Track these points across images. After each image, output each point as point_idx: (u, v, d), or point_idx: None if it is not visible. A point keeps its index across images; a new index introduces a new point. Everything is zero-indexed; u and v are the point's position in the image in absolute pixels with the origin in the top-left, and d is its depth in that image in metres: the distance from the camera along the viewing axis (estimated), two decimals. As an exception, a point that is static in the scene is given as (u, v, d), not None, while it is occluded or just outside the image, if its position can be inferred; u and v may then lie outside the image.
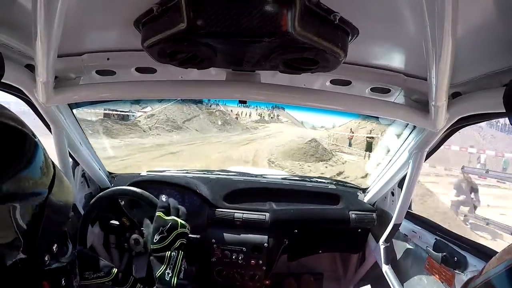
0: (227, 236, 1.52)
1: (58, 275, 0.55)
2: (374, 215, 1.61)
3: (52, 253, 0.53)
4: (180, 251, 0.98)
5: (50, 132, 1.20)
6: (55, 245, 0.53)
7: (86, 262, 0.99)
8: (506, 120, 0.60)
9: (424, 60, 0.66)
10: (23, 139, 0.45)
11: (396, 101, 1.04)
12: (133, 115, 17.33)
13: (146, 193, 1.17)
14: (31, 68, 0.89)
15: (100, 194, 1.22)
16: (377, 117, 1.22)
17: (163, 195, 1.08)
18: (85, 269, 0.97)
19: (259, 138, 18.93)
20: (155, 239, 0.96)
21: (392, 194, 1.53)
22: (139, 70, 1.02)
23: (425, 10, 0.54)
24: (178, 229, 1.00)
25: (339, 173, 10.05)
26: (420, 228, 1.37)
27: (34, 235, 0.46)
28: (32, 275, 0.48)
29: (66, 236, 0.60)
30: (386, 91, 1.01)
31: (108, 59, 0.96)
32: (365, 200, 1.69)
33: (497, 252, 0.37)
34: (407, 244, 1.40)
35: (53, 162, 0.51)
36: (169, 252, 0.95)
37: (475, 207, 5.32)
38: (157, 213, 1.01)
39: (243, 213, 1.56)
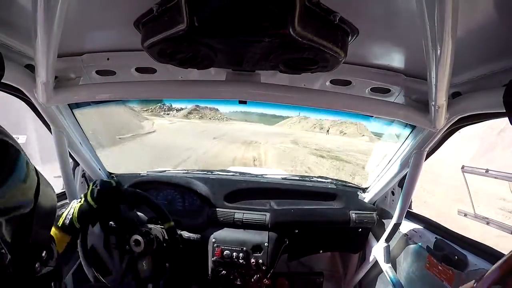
0: (228, 235, 1.52)
1: (48, 280, 0.55)
2: (375, 214, 1.61)
3: (42, 260, 0.53)
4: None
5: (50, 132, 1.20)
6: (44, 251, 0.53)
7: None
8: None
9: (424, 60, 0.66)
10: (5, 149, 0.42)
11: (396, 101, 1.04)
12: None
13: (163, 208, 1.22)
14: (31, 68, 0.89)
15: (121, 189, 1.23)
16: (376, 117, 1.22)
17: None
18: None
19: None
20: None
21: (393, 193, 1.53)
22: (139, 70, 1.02)
23: (425, 10, 0.54)
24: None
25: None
26: (420, 227, 1.37)
27: (24, 246, 0.45)
28: (25, 285, 0.48)
29: (50, 239, 0.59)
30: (386, 91, 1.01)
31: (108, 59, 0.96)
32: (366, 199, 1.69)
33: (497, 251, 0.37)
34: (408, 243, 1.40)
35: (35, 168, 0.49)
36: None
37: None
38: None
39: (244, 213, 1.56)
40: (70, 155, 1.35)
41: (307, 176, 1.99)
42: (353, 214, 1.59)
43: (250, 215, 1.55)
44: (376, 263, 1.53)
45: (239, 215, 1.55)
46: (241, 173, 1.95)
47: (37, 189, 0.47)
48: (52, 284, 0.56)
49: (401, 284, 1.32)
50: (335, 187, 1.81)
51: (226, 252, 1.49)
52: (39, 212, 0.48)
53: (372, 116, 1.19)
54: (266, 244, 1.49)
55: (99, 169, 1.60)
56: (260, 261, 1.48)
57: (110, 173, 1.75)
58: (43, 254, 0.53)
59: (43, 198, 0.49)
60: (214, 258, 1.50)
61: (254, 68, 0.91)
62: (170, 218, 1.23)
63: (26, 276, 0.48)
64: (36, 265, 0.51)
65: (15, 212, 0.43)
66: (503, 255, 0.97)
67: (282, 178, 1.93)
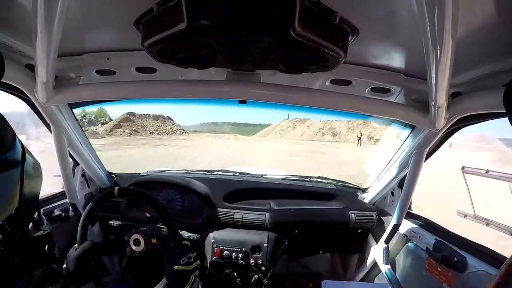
0: (227, 236, 1.52)
1: (42, 242, 0.60)
2: (374, 215, 1.61)
3: (34, 222, 0.58)
4: (200, 280, 1.15)
5: (50, 132, 1.20)
6: (36, 213, 0.59)
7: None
8: None
9: (424, 60, 0.65)
10: (5, 121, 0.52)
11: (396, 101, 1.04)
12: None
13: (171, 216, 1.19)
14: (31, 68, 0.89)
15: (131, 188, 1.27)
16: (377, 117, 1.22)
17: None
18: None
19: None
20: (183, 261, 1.10)
21: (392, 194, 1.53)
22: (139, 70, 1.02)
23: (425, 10, 0.54)
24: (198, 261, 1.17)
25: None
26: (420, 228, 1.36)
27: (18, 201, 0.51)
28: (19, 243, 0.52)
29: (39, 204, 0.66)
30: (386, 91, 1.01)
31: (108, 59, 0.96)
32: (365, 200, 1.69)
33: (497, 253, 0.37)
34: (407, 245, 1.40)
35: (19, 138, 0.58)
36: (193, 276, 1.12)
37: None
38: (185, 242, 1.20)
39: (243, 213, 1.56)
40: (70, 155, 1.35)
41: (307, 177, 1.99)
42: (352, 215, 1.59)
43: (249, 215, 1.55)
44: (375, 264, 1.53)
45: (238, 215, 1.55)
46: (241, 173, 1.95)
47: (23, 152, 0.57)
48: (46, 247, 0.61)
49: (400, 285, 1.32)
50: (334, 187, 1.80)
51: (225, 252, 1.49)
52: (27, 171, 0.55)
53: (372, 116, 1.20)
54: (265, 244, 1.49)
55: (99, 169, 1.60)
56: (260, 261, 1.48)
57: (110, 173, 1.75)
58: (35, 216, 0.59)
59: (29, 161, 0.57)
60: (214, 258, 1.50)
61: (254, 67, 0.91)
62: (171, 217, 1.23)
63: (20, 234, 0.53)
64: (30, 225, 0.56)
65: (9, 167, 0.51)
66: (503, 257, 0.97)
67: (282, 178, 1.93)
